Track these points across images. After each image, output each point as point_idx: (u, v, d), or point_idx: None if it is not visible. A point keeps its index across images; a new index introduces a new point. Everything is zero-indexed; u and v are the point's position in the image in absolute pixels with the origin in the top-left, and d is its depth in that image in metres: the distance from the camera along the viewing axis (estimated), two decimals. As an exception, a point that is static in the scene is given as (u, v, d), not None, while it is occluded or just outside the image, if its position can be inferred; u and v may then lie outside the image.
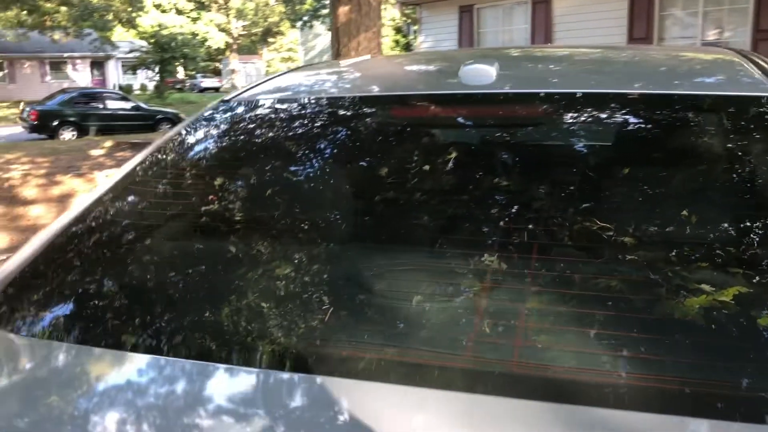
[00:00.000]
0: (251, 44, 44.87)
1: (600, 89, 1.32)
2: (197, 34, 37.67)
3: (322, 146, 1.34)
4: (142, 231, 1.20)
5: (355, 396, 0.76)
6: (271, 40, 44.53)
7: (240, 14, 38.44)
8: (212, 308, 0.97)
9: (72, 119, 16.33)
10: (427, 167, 1.20)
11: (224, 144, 1.45)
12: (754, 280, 0.87)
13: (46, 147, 11.96)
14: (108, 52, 33.16)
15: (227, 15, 37.86)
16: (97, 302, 1.03)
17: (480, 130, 1.39)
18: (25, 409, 0.81)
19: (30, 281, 1.09)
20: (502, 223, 1.05)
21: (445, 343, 0.86)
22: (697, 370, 0.78)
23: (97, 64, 37.08)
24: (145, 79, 37.52)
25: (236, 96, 1.60)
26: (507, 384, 0.77)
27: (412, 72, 1.78)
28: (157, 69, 33.85)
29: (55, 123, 16.09)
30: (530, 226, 1.04)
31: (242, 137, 1.44)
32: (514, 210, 1.09)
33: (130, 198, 1.31)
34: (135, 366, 0.88)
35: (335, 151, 1.33)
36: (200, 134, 1.50)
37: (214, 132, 1.49)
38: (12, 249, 3.13)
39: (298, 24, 32.43)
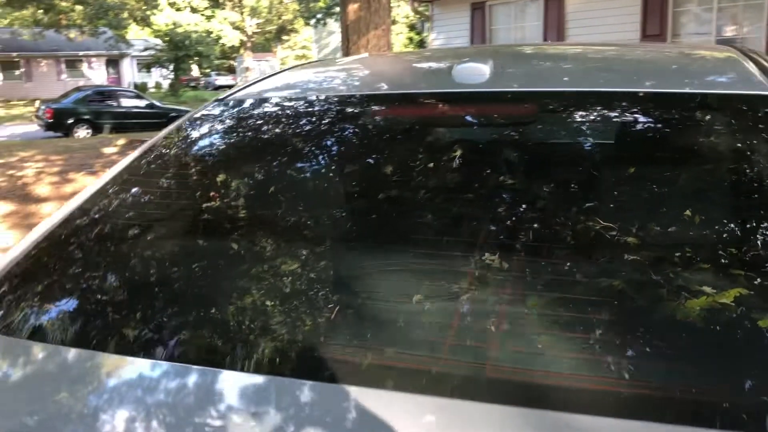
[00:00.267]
0: (265, 42, 45.03)
1: (595, 87, 1.29)
2: (211, 32, 37.88)
3: (312, 144, 1.33)
4: (129, 230, 1.20)
5: (358, 402, 0.75)
6: (285, 37, 44.64)
7: (254, 12, 38.54)
8: (198, 310, 0.96)
9: (86, 117, 16.42)
10: (415, 165, 1.19)
11: (216, 142, 1.45)
12: (756, 282, 0.85)
13: (60, 145, 12.10)
14: (123, 51, 33.44)
15: (241, 13, 37.97)
16: (82, 303, 1.02)
17: (472, 129, 1.38)
18: (11, 414, 0.80)
19: (17, 282, 1.09)
20: (492, 225, 1.04)
21: (425, 345, 0.85)
22: (693, 373, 0.76)
23: (113, 62, 37.47)
24: (160, 77, 37.89)
25: (231, 95, 1.60)
26: (514, 391, 0.76)
27: (406, 70, 1.77)
28: (171, 67, 34.17)
29: (70, 121, 16.19)
30: (519, 226, 1.02)
31: (234, 135, 1.45)
32: (503, 210, 1.07)
33: (119, 197, 1.30)
34: (125, 369, 0.87)
35: (323, 149, 1.32)
36: (194, 133, 1.50)
37: (208, 130, 1.49)
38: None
39: (312, 21, 32.46)
